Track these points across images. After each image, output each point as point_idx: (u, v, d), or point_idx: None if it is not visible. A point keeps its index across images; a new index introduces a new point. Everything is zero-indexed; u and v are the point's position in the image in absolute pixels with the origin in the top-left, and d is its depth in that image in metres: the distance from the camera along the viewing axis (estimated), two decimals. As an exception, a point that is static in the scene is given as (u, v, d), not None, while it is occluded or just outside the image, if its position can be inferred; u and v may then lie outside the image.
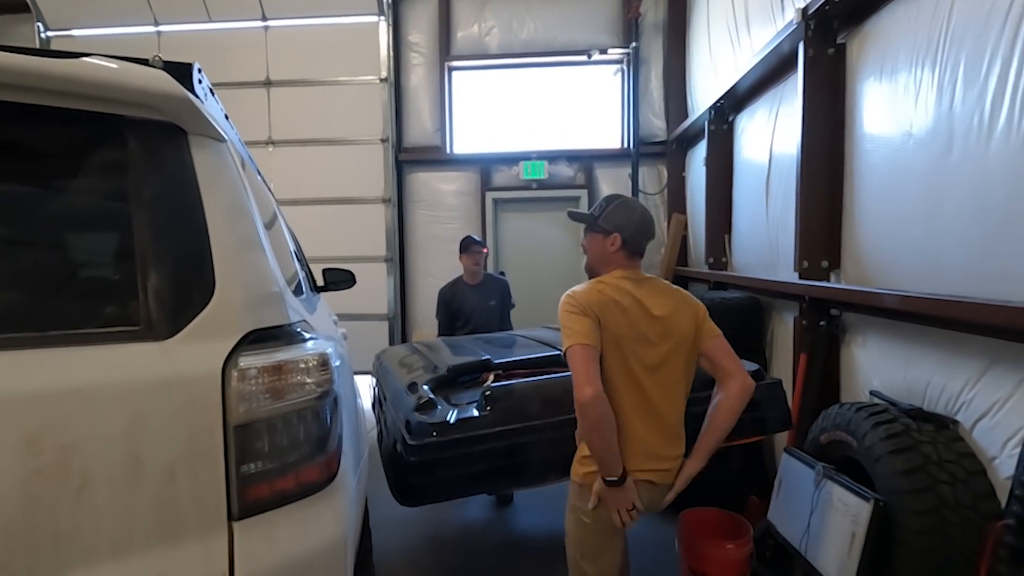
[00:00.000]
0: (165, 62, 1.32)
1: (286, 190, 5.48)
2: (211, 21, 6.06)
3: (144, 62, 1.27)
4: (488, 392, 1.85)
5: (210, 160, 1.14)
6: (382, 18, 5.92)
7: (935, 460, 1.86)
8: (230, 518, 0.97)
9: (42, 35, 6.24)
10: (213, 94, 1.49)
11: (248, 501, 0.98)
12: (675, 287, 1.81)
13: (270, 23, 6.05)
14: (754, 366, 2.34)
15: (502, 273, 4.58)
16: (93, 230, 1.07)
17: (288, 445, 1.02)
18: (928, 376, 2.12)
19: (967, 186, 1.88)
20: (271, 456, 1.00)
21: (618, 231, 1.76)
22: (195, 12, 6.01)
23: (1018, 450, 1.65)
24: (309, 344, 1.13)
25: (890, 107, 2.34)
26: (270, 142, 6.04)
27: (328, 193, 6.03)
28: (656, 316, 1.68)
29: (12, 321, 0.92)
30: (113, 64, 1.01)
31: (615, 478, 1.58)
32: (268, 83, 6.10)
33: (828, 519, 2.06)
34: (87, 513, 0.88)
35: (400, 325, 6.22)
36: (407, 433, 1.77)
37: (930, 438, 1.92)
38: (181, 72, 1.27)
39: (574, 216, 1.91)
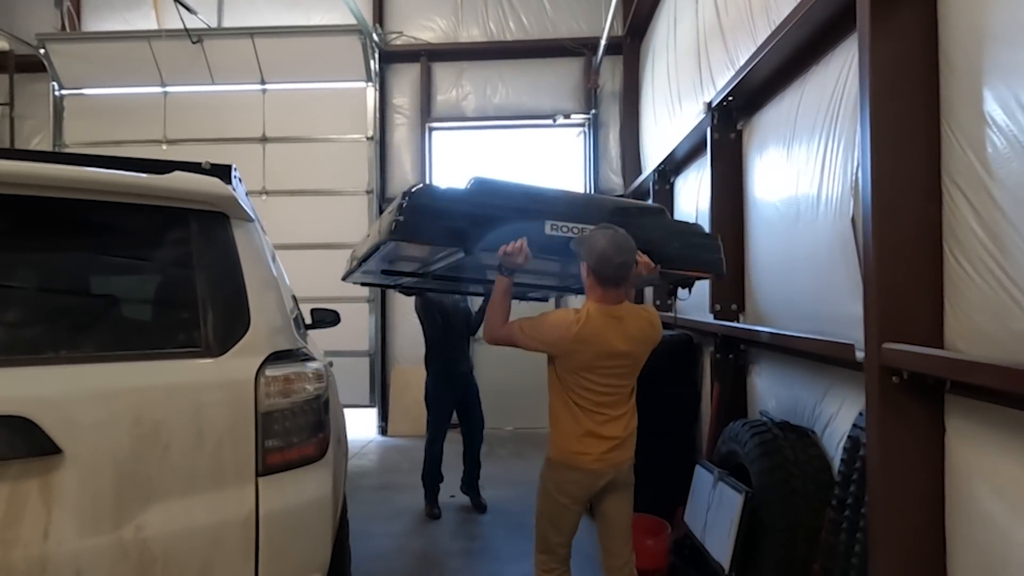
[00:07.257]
0: (212, 165, 1.87)
1: (277, 235, 5.91)
2: (214, 84, 6.71)
3: (197, 166, 1.81)
4: (475, 177, 2.24)
5: (244, 235, 1.66)
6: (370, 84, 6.62)
7: (792, 460, 2.39)
8: (256, 474, 1.45)
9: (56, 93, 6.83)
10: (241, 183, 2.03)
11: (268, 464, 1.46)
12: (647, 312, 2.01)
13: (268, 86, 6.71)
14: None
15: None
16: (170, 284, 1.57)
17: (294, 429, 1.52)
18: (797, 395, 2.68)
19: (807, 246, 2.49)
20: (284, 435, 1.49)
21: (585, 259, 1.90)
22: (200, 75, 6.65)
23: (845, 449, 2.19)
24: (309, 363, 1.64)
25: (766, 182, 2.98)
26: (264, 192, 6.60)
27: (316, 238, 6.56)
28: (620, 350, 1.93)
29: (124, 344, 1.42)
30: (193, 176, 1.54)
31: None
32: (264, 139, 6.72)
33: (719, 512, 2.56)
34: (168, 465, 1.35)
35: (380, 361, 6.67)
36: (409, 192, 2.08)
37: (791, 444, 2.46)
38: (224, 173, 1.82)
39: (574, 245, 2.03)
